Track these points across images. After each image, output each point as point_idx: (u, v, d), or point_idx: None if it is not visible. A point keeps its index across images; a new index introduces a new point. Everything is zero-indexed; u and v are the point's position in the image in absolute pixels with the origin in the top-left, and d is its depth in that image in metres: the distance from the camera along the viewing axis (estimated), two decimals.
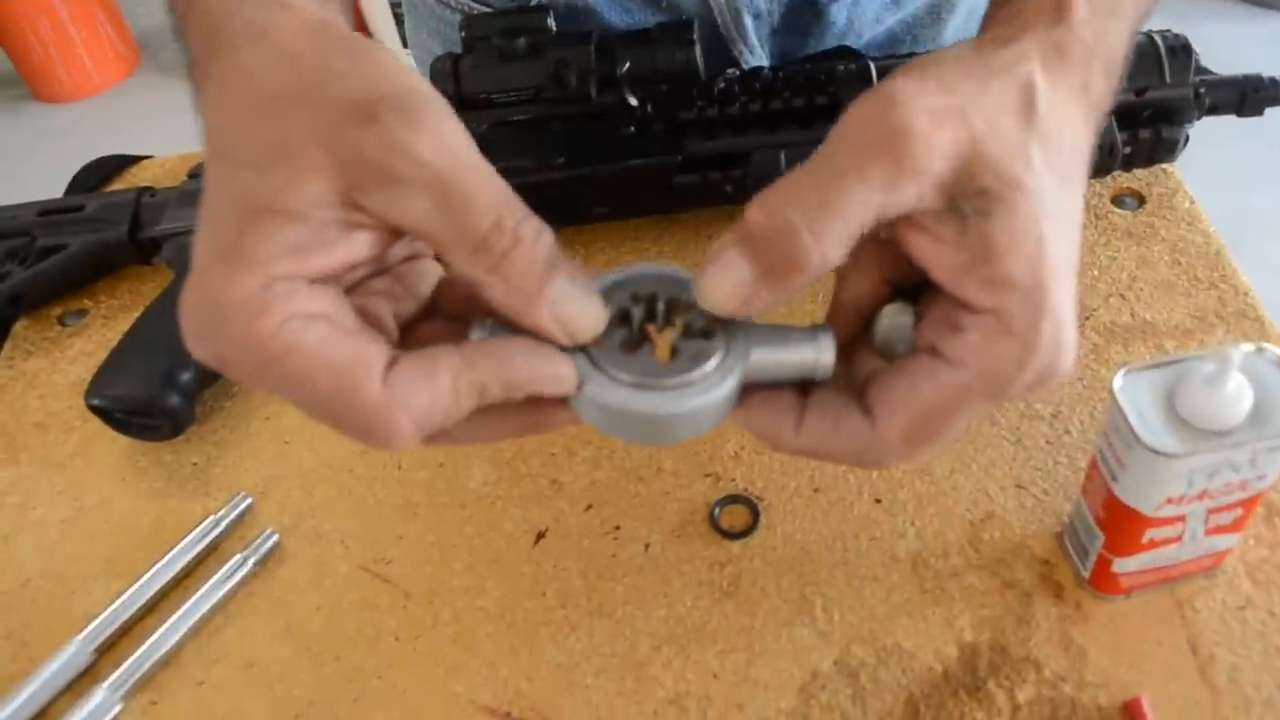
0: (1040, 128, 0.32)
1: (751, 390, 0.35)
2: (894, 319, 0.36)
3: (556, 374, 0.33)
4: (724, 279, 0.32)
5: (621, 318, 0.35)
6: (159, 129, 2.49)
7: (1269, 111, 0.63)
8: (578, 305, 0.33)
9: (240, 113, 0.32)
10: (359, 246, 0.32)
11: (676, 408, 0.33)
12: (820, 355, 0.35)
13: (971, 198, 0.31)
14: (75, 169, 0.78)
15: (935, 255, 0.32)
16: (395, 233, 0.32)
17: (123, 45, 2.67)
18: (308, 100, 0.31)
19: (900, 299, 0.36)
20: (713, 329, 0.34)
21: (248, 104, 0.32)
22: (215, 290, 0.30)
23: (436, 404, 0.31)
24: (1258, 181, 2.02)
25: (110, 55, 2.64)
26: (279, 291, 0.30)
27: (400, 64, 0.33)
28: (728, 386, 0.34)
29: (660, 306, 0.35)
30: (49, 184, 0.80)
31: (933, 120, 0.31)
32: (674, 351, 0.34)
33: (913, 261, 0.34)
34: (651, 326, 0.35)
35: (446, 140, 0.31)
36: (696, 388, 0.33)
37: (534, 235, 0.32)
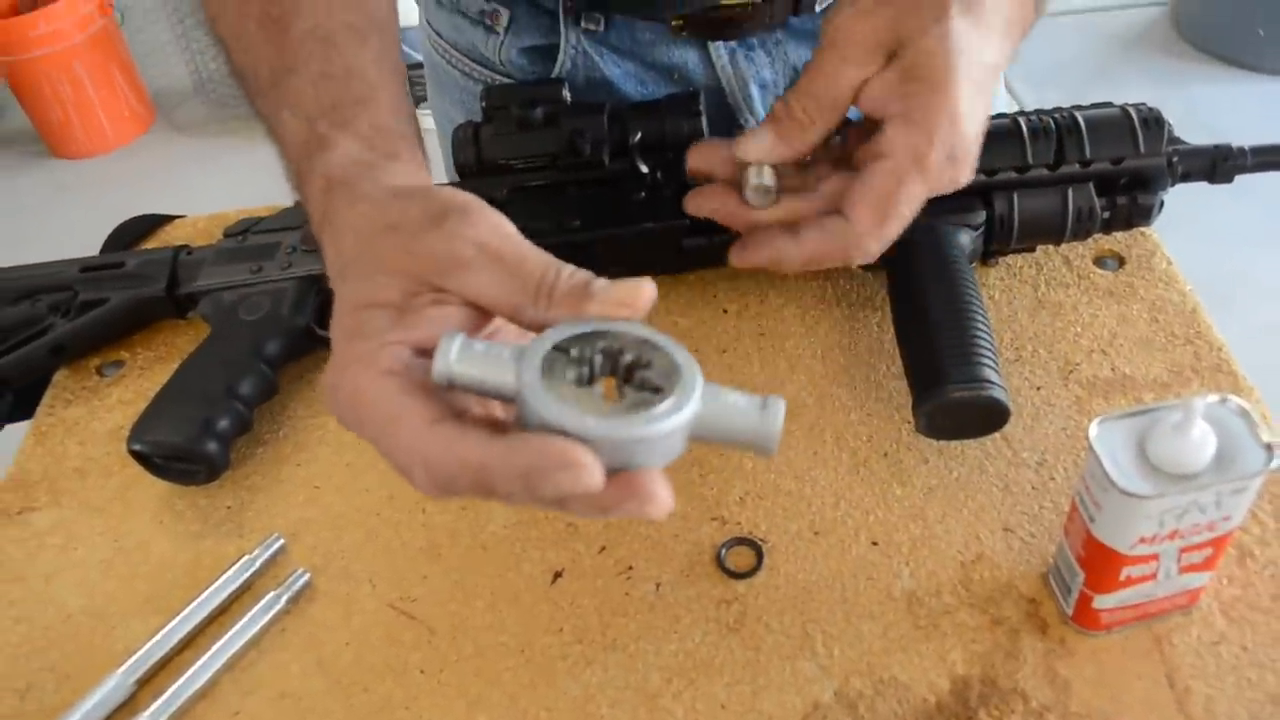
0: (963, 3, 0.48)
1: (749, 233, 0.52)
2: (758, 178, 0.52)
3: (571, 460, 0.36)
4: (753, 138, 0.51)
5: (583, 363, 0.37)
6: (173, 185, 2.56)
7: (1260, 176, 0.67)
8: (622, 287, 0.38)
9: (352, 248, 0.42)
10: (450, 318, 0.40)
11: (627, 432, 0.35)
12: (766, 425, 0.37)
13: (899, 48, 0.48)
14: (92, 224, 0.81)
15: (873, 90, 0.49)
16: (482, 310, 0.40)
17: (138, 104, 2.74)
18: (395, 231, 0.41)
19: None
20: (663, 389, 0.36)
21: (359, 241, 0.42)
22: (340, 358, 0.40)
23: (443, 474, 0.37)
24: (1247, 244, 2.06)
25: (126, 114, 2.70)
26: (383, 355, 0.38)
27: (456, 189, 0.43)
28: (668, 425, 0.35)
29: (624, 361, 0.38)
30: (66, 238, 0.83)
31: (858, 17, 0.49)
32: (622, 396, 0.37)
33: (864, 110, 0.50)
34: (610, 380, 0.38)
35: (496, 226, 0.40)
36: (637, 419, 0.35)
37: (571, 269, 0.39)
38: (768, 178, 0.52)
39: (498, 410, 0.42)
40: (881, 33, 0.48)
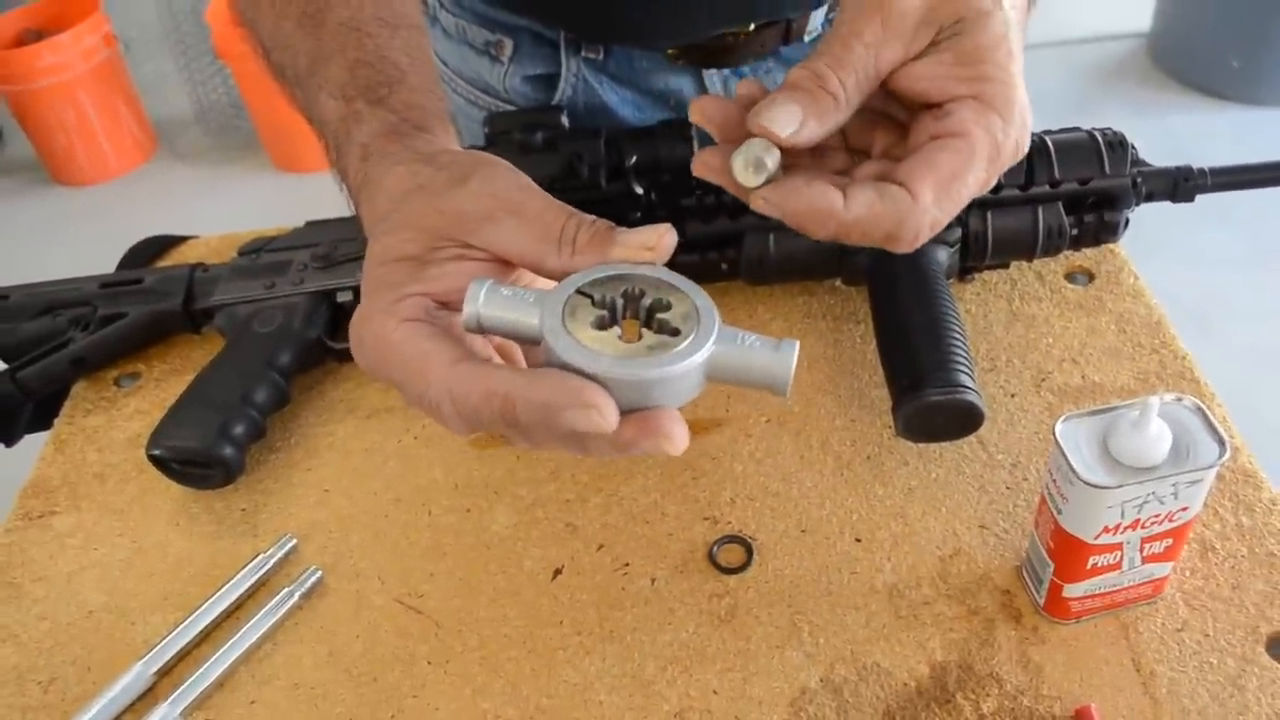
0: None
1: (789, 178, 0.41)
2: (764, 153, 0.41)
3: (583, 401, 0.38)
4: (781, 112, 0.42)
5: (604, 306, 0.38)
6: (173, 212, 2.59)
7: (1237, 201, 0.71)
8: (645, 232, 0.40)
9: (384, 207, 0.44)
10: (471, 271, 0.41)
11: (642, 373, 0.36)
12: (779, 366, 0.38)
13: (950, 26, 0.43)
14: (94, 250, 0.84)
15: (925, 70, 0.43)
16: (505, 263, 0.42)
17: (141, 133, 2.78)
18: (424, 190, 0.43)
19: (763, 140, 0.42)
20: (681, 331, 0.38)
21: (390, 201, 0.44)
22: (365, 309, 0.41)
23: (469, 405, 0.39)
24: (1226, 266, 2.12)
25: (129, 142, 2.74)
26: (405, 304, 0.41)
27: (483, 152, 0.46)
28: (682, 367, 0.36)
29: (644, 304, 0.39)
30: (68, 264, 0.85)
31: None
32: (640, 338, 0.39)
33: (907, 91, 0.44)
34: (632, 323, 0.39)
35: (518, 181, 0.42)
36: (652, 360, 0.37)
37: (593, 218, 0.41)
38: (773, 156, 0.42)
39: (520, 361, 0.44)
40: (936, 10, 0.43)
